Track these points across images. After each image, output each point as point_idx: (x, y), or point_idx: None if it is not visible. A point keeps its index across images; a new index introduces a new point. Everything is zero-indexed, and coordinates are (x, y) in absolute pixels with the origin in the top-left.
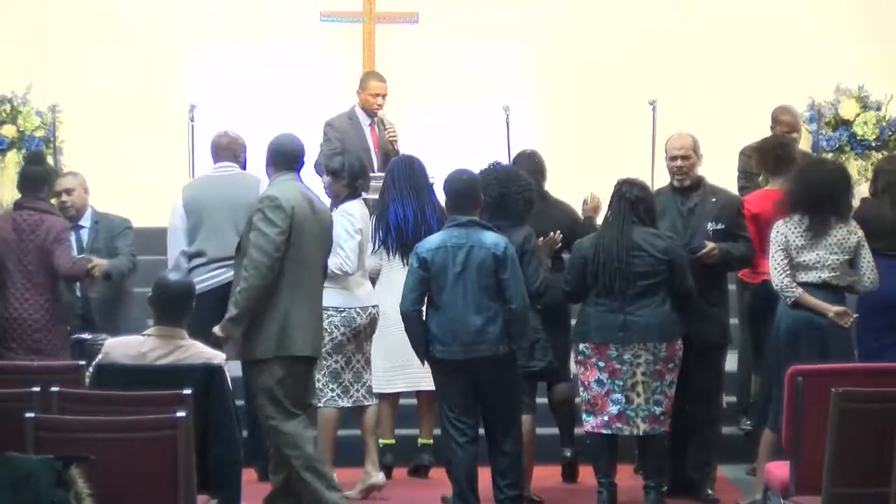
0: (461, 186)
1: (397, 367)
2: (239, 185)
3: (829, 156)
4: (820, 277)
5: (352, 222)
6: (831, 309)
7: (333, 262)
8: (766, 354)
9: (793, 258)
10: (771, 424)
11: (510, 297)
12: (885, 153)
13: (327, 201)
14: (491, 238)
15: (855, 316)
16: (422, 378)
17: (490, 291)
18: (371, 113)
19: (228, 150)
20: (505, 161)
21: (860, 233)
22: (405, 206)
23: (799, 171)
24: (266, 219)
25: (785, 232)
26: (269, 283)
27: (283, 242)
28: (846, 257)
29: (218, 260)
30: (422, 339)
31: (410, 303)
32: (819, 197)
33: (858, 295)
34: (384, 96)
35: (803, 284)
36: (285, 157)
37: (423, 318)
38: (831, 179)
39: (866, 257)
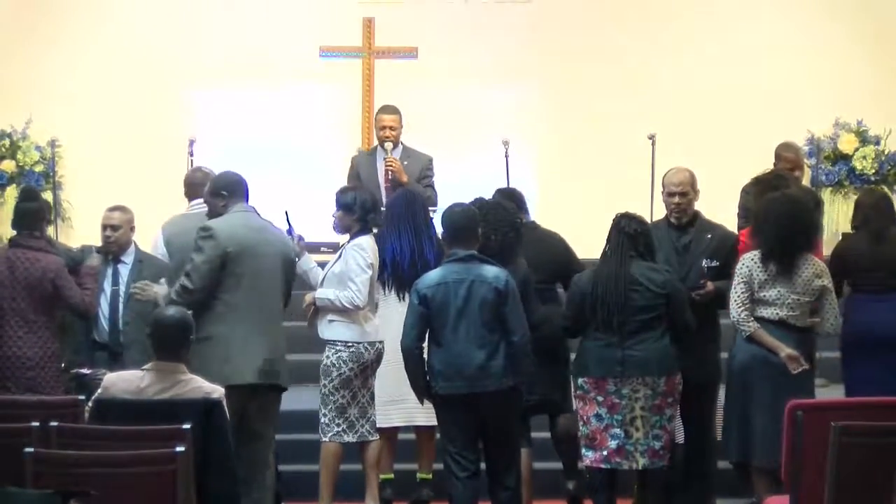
0: (459, 220)
1: (393, 402)
2: None
3: (828, 190)
4: (777, 314)
5: (364, 257)
6: (784, 349)
7: (345, 296)
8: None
9: (755, 292)
10: (731, 455)
11: (512, 330)
12: (885, 187)
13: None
14: (492, 272)
15: (805, 367)
16: (416, 412)
17: (491, 325)
18: (382, 145)
19: (204, 186)
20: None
21: (827, 280)
22: (402, 242)
23: (761, 206)
24: (197, 247)
25: (750, 266)
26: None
27: (208, 271)
28: (808, 299)
29: None
30: (422, 377)
31: (412, 340)
32: (779, 234)
33: (843, 331)
34: (392, 128)
35: (760, 320)
36: (240, 188)
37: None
38: (790, 215)
39: (830, 303)
